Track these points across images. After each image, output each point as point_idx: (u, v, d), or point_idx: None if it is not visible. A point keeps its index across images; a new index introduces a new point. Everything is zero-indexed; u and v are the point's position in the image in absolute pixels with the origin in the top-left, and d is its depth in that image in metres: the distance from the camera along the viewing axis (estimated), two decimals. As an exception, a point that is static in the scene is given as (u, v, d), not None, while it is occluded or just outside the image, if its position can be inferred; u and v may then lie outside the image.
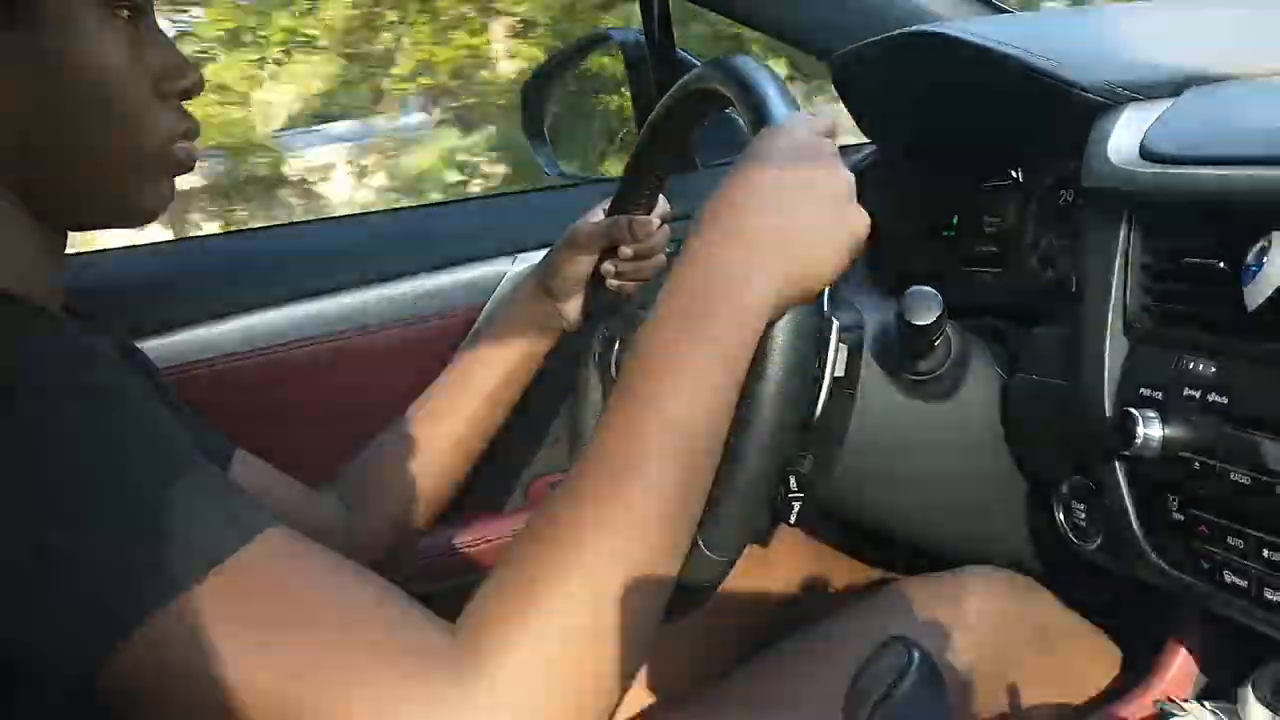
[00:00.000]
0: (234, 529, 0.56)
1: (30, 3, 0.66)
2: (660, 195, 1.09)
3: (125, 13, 0.71)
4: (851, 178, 0.72)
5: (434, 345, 1.23)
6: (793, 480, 0.83)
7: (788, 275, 0.68)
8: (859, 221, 0.71)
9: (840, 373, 0.80)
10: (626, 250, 1.07)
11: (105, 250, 1.35)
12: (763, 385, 0.69)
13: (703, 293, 0.67)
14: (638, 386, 0.65)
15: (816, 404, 0.79)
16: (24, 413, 0.55)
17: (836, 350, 0.79)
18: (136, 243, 1.44)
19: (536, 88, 1.78)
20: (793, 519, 0.82)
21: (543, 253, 1.16)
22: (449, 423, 1.10)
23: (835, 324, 0.80)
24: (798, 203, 0.69)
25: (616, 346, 1.01)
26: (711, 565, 0.72)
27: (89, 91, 0.69)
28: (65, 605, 0.53)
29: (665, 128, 0.99)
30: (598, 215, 1.11)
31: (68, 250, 0.78)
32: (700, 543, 0.70)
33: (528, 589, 0.59)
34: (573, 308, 1.12)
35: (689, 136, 1.04)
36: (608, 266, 1.10)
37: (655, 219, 1.08)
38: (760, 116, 0.75)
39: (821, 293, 0.71)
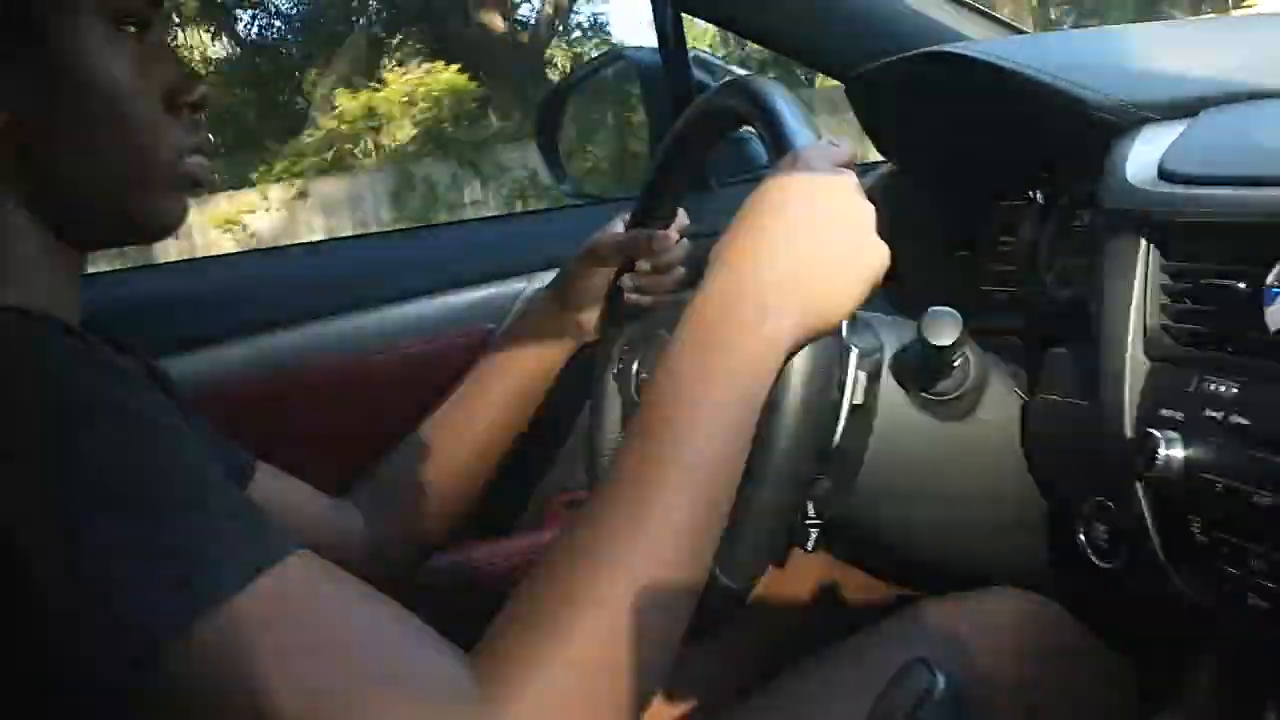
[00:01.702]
0: (258, 555, 0.56)
1: (37, 21, 0.67)
2: (679, 209, 1.10)
3: (131, 28, 0.71)
4: (871, 210, 0.72)
5: (450, 363, 1.23)
6: (810, 506, 0.82)
7: (806, 309, 0.68)
8: (878, 254, 0.71)
9: (859, 400, 0.80)
10: (645, 264, 1.08)
11: (124, 270, 1.36)
12: (781, 416, 0.69)
13: (720, 326, 0.67)
14: (654, 421, 0.66)
15: (834, 432, 0.79)
16: (52, 431, 0.56)
17: (855, 377, 0.79)
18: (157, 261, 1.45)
19: (552, 106, 1.79)
20: (810, 545, 0.82)
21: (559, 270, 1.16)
22: (467, 433, 1.10)
23: (854, 352, 0.79)
24: (817, 236, 0.69)
25: (635, 362, 1.01)
26: (728, 593, 0.72)
27: (98, 107, 0.70)
28: (89, 626, 0.53)
29: (684, 145, 1.00)
30: (617, 228, 1.11)
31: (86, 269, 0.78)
32: (717, 570, 0.70)
33: (545, 621, 0.59)
34: (590, 320, 1.13)
35: (707, 154, 1.05)
36: (626, 280, 1.10)
37: (673, 233, 1.08)
38: (780, 142, 0.75)
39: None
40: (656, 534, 0.62)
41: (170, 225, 0.76)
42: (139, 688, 0.53)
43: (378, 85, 11.08)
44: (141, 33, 0.72)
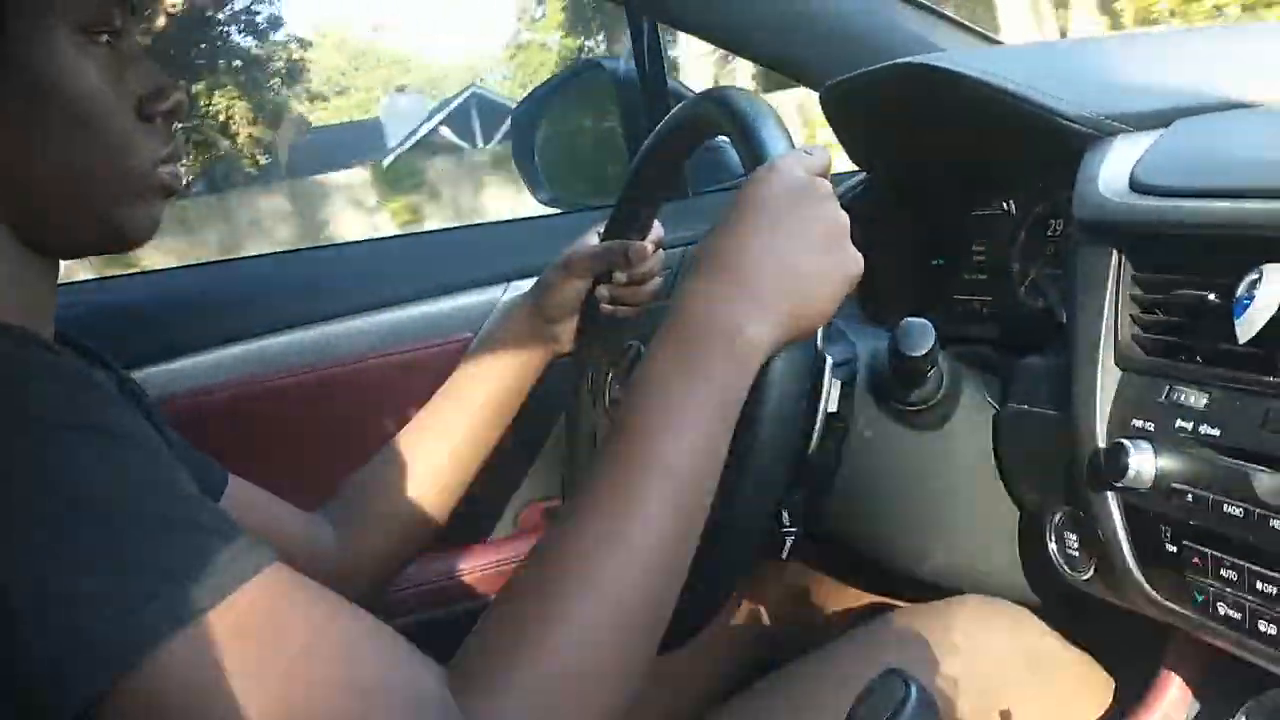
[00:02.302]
0: (231, 570, 0.56)
1: (7, 33, 0.66)
2: (655, 220, 1.10)
3: (104, 37, 0.70)
4: (845, 218, 0.72)
5: (426, 372, 1.23)
6: (785, 514, 0.83)
7: (782, 318, 0.69)
8: (853, 263, 0.72)
9: (833, 408, 0.80)
10: (621, 275, 1.08)
11: (96, 279, 1.35)
12: (757, 425, 0.70)
13: (697, 336, 0.68)
14: (633, 430, 0.66)
15: (810, 440, 0.79)
16: (28, 447, 0.55)
17: (830, 386, 0.80)
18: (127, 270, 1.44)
19: (527, 114, 1.79)
20: (785, 554, 0.82)
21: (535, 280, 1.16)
22: (442, 444, 1.10)
23: (829, 361, 0.80)
24: (792, 246, 0.70)
25: (610, 373, 1.01)
26: (703, 601, 0.72)
27: (72, 119, 0.69)
28: (64, 641, 0.52)
29: (660, 155, 1.00)
30: (593, 239, 1.11)
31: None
32: (693, 578, 0.70)
33: (521, 632, 0.59)
34: (566, 330, 1.12)
35: (683, 164, 1.05)
36: (602, 290, 1.10)
37: (649, 244, 1.08)
38: (755, 153, 0.75)
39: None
40: (633, 544, 0.62)
41: (144, 234, 0.75)
42: (110, 703, 0.52)
43: None
44: (115, 40, 0.72)
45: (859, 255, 0.72)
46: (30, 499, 0.54)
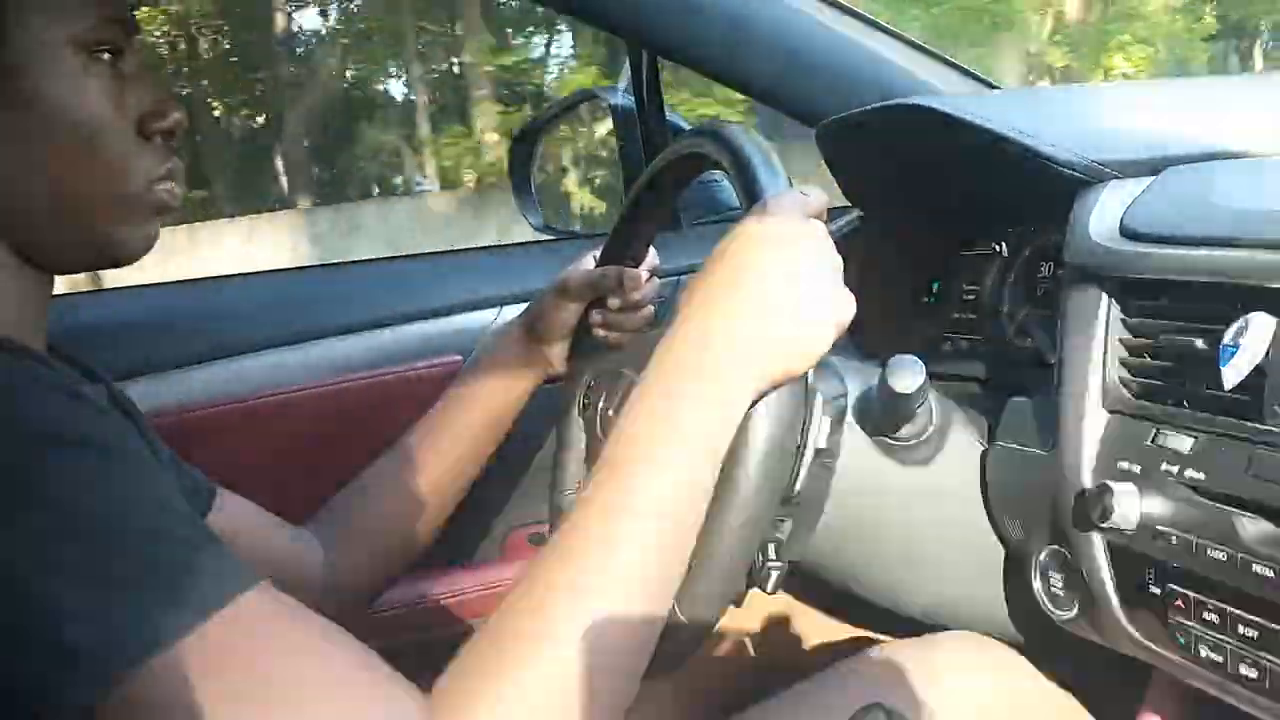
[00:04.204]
0: (216, 589, 0.56)
1: (10, 49, 0.67)
2: (650, 248, 1.11)
3: (106, 55, 0.71)
4: (839, 261, 0.72)
5: (418, 393, 1.23)
6: (771, 548, 0.83)
7: (772, 359, 0.69)
8: (844, 306, 0.72)
9: (822, 444, 0.80)
10: (614, 301, 1.08)
11: (88, 292, 1.35)
12: (744, 461, 0.70)
13: (686, 374, 0.68)
14: (617, 466, 0.66)
15: (798, 476, 0.79)
16: (18, 460, 0.55)
17: (819, 422, 0.80)
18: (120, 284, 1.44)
19: (524, 143, 1.80)
20: (770, 587, 0.82)
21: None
22: (431, 464, 1.10)
23: (819, 396, 0.80)
24: (784, 287, 0.70)
25: (602, 398, 1.01)
26: (687, 632, 0.73)
27: (71, 137, 0.69)
28: (48, 656, 0.53)
29: (658, 186, 1.01)
30: (588, 264, 1.12)
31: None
32: (677, 610, 0.71)
33: (504, 665, 0.59)
34: (558, 354, 1.13)
35: (679, 195, 1.06)
36: (595, 316, 1.10)
37: (644, 272, 1.09)
38: (752, 190, 0.76)
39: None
40: (618, 580, 0.63)
41: (139, 251, 0.76)
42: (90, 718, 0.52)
43: None
44: (116, 59, 0.72)
45: (850, 298, 0.72)
46: (18, 511, 0.54)
